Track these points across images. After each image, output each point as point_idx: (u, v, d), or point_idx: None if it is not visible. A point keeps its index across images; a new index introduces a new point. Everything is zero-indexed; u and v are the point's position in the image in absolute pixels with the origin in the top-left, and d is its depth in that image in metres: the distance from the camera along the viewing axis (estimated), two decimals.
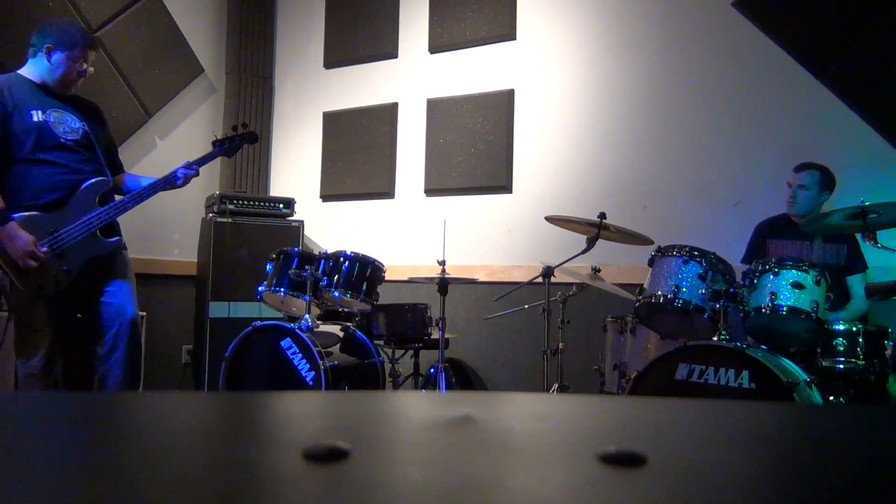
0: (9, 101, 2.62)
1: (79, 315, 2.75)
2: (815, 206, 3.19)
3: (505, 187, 4.28)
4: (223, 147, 3.11)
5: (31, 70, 2.73)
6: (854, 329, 2.55)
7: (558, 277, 3.21)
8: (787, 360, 2.49)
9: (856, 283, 3.11)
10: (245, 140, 3.14)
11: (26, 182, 2.62)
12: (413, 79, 4.65)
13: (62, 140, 2.69)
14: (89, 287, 2.73)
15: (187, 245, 4.57)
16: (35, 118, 2.65)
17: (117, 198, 2.87)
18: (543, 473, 0.48)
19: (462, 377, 4.22)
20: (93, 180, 2.73)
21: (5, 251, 2.52)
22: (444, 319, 3.40)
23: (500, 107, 4.31)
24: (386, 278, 3.59)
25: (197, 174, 2.98)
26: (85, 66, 2.75)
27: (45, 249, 2.57)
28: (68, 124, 2.73)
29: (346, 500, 0.40)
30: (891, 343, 2.52)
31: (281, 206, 4.55)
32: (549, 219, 3.31)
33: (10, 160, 2.61)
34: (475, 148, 4.35)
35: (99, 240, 2.72)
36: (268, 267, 3.50)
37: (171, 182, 2.92)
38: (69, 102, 2.79)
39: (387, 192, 4.67)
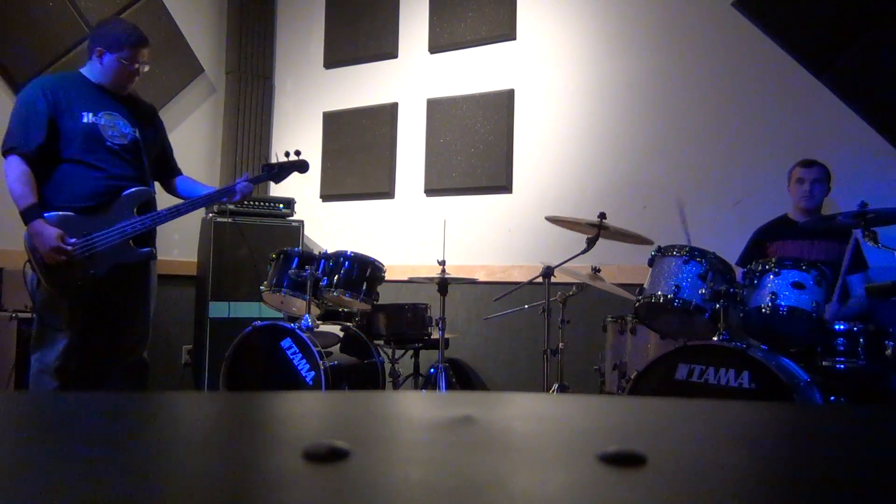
0: (62, 102, 2.62)
1: (101, 323, 2.74)
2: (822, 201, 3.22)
3: (505, 187, 4.28)
4: (272, 172, 3.06)
5: (89, 70, 2.74)
6: (854, 329, 2.55)
7: (558, 277, 3.21)
8: (787, 360, 2.49)
9: (855, 282, 3.11)
10: (295, 167, 3.08)
11: (68, 183, 2.61)
12: (413, 79, 4.65)
13: (109, 144, 2.67)
14: (113, 298, 2.73)
15: (187, 245, 4.57)
16: (85, 119, 2.64)
17: (169, 204, 2.84)
18: (543, 473, 0.48)
19: (462, 377, 4.22)
20: (134, 189, 2.71)
21: (35, 247, 2.52)
22: (444, 319, 3.40)
23: (500, 107, 4.31)
24: (386, 278, 3.59)
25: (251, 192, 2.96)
26: (136, 65, 2.73)
27: (73, 241, 2.54)
28: (119, 128, 2.71)
29: (346, 500, 0.40)
30: (891, 343, 2.52)
31: (281, 206, 4.55)
32: (549, 219, 3.31)
33: (56, 159, 2.60)
34: (475, 148, 4.35)
35: (130, 248, 2.70)
36: (268, 267, 3.50)
37: (227, 195, 2.89)
38: (125, 105, 2.77)
39: (387, 192, 4.67)
